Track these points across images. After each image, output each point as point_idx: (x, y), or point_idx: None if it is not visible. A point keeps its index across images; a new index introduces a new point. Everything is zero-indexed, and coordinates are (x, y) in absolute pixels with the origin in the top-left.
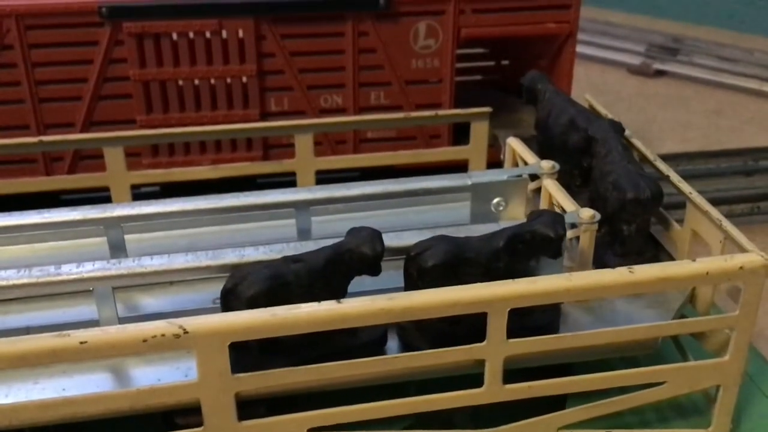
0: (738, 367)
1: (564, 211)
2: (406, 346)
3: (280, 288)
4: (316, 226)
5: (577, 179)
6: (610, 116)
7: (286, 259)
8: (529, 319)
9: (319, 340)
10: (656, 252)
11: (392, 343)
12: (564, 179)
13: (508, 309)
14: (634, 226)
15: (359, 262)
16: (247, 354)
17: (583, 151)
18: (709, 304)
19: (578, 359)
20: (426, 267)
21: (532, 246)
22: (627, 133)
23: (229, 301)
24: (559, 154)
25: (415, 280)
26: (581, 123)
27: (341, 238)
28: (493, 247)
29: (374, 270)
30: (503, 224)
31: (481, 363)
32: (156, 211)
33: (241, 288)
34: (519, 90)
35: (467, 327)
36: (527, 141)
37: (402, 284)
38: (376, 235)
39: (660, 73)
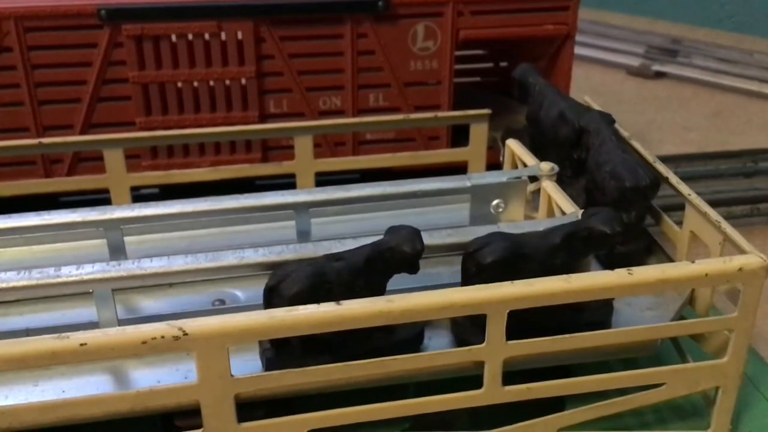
0: (737, 368)
1: (563, 213)
2: (460, 342)
3: (322, 286)
4: (316, 227)
5: (568, 170)
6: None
7: (328, 257)
8: (583, 316)
9: (357, 338)
10: (651, 238)
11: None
12: None
13: (508, 310)
14: (634, 214)
15: (399, 260)
16: (290, 352)
17: (573, 143)
18: (708, 305)
19: (578, 361)
20: (485, 263)
21: (588, 243)
22: (626, 135)
23: (271, 299)
24: (551, 146)
25: (472, 276)
26: (571, 116)
27: (341, 240)
28: (550, 243)
29: (413, 268)
30: (502, 225)
31: (480, 365)
32: (155, 213)
33: (284, 286)
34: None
35: (520, 322)
36: (519, 133)
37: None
38: (415, 234)
39: (659, 75)
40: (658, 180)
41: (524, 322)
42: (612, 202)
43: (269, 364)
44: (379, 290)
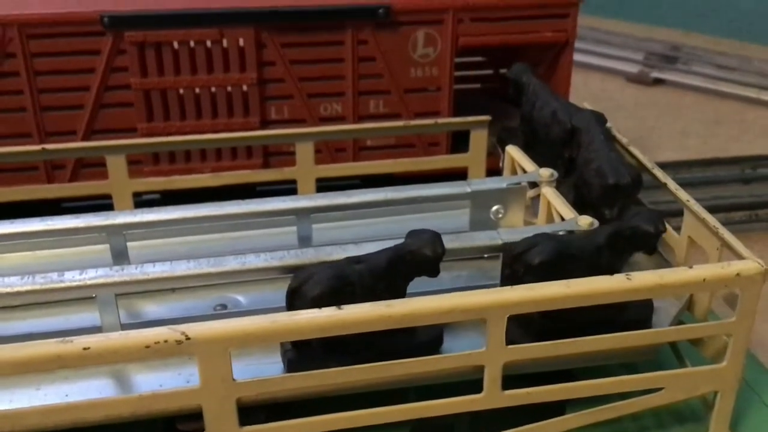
0: (735, 373)
1: (563, 219)
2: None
3: (344, 288)
4: (317, 233)
5: (560, 169)
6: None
7: (349, 260)
8: (626, 314)
9: (378, 340)
10: None
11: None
12: None
13: (507, 315)
14: (616, 210)
15: (420, 264)
16: (311, 353)
17: (565, 142)
18: (707, 310)
19: (577, 365)
20: (534, 264)
21: (632, 242)
22: (625, 141)
23: (293, 300)
24: (543, 145)
25: (520, 277)
26: (563, 116)
27: (342, 245)
28: (596, 243)
29: (434, 271)
30: (502, 231)
31: (480, 369)
32: (158, 219)
33: (306, 288)
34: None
35: (570, 322)
36: (512, 131)
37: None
38: (436, 237)
39: (658, 82)
40: (641, 178)
41: (565, 320)
42: (596, 199)
43: (291, 366)
44: (400, 293)
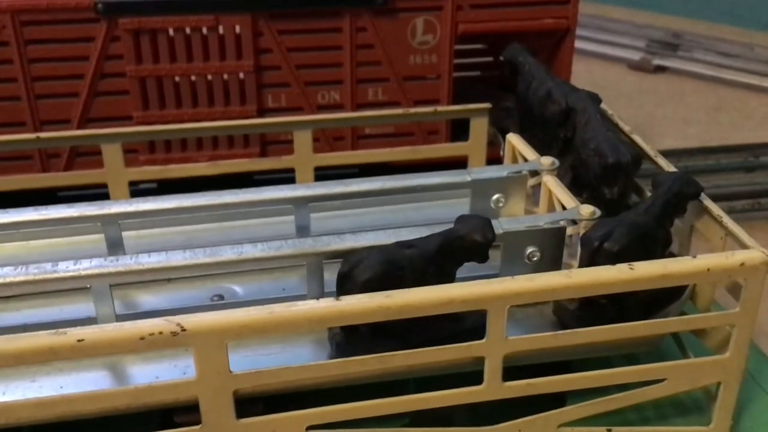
0: (738, 364)
1: (564, 208)
2: (563, 326)
3: (394, 273)
4: (315, 222)
5: (555, 150)
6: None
7: (399, 245)
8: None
9: (426, 325)
10: None
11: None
12: (542, 150)
13: (508, 306)
14: (616, 189)
15: (470, 249)
16: (359, 337)
17: (560, 122)
18: (710, 300)
19: (579, 356)
20: (614, 252)
21: (677, 208)
22: (628, 129)
23: (344, 285)
24: (538, 125)
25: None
26: (558, 95)
27: (340, 234)
28: (654, 215)
29: (484, 256)
30: (503, 220)
31: (480, 360)
32: (154, 208)
33: (357, 272)
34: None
35: (631, 305)
36: (508, 111)
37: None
38: (486, 223)
39: (660, 69)
40: (640, 157)
41: (634, 305)
42: (595, 178)
43: (339, 350)
44: (449, 278)
